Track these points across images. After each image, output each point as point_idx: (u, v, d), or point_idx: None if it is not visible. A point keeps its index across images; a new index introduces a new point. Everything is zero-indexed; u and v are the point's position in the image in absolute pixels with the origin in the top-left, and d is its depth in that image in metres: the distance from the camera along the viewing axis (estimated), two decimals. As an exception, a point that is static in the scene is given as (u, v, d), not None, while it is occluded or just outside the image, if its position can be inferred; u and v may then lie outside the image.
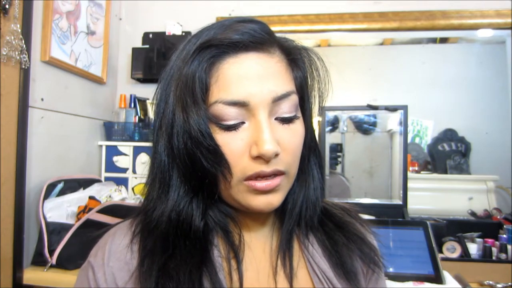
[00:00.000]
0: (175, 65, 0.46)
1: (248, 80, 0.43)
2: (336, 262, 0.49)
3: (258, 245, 0.51)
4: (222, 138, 0.43)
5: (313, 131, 0.52)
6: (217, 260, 0.46)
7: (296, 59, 0.48)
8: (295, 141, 0.46)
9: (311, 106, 0.51)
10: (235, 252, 0.47)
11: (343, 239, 0.51)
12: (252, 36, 0.44)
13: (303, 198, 0.51)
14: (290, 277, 0.48)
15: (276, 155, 0.43)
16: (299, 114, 0.48)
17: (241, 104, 0.42)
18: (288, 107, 0.45)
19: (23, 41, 1.11)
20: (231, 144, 0.43)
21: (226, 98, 0.42)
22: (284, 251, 0.49)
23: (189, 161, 0.44)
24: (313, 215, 0.51)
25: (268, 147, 0.41)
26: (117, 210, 1.19)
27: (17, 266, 1.11)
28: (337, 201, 0.60)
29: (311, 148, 0.52)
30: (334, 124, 1.74)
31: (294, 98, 0.46)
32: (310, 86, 0.50)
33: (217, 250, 0.47)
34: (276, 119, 0.45)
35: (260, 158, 0.42)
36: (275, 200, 0.45)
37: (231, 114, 0.43)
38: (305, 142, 0.49)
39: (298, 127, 0.47)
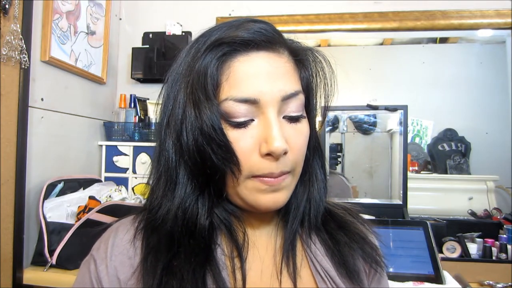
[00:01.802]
0: (184, 63, 0.47)
1: (258, 78, 0.43)
2: (338, 261, 0.50)
3: (261, 244, 0.51)
4: (232, 135, 0.44)
5: (316, 131, 0.53)
6: (221, 258, 0.46)
7: (303, 59, 0.49)
8: (301, 140, 0.47)
9: (316, 107, 0.52)
10: (239, 251, 0.47)
11: (345, 239, 0.51)
12: (263, 35, 0.45)
13: (307, 198, 0.51)
14: (293, 277, 0.48)
15: (285, 153, 0.44)
16: (305, 114, 0.48)
17: (251, 102, 0.43)
18: (295, 106, 0.46)
19: (23, 41, 1.11)
20: (241, 141, 0.44)
21: (237, 96, 0.43)
22: (288, 251, 0.49)
23: (198, 157, 0.44)
24: (317, 214, 0.52)
25: (278, 144, 0.42)
26: (117, 210, 1.19)
27: (17, 266, 1.11)
28: (337, 200, 0.60)
29: (314, 149, 0.53)
30: (334, 124, 1.74)
31: (301, 97, 0.47)
32: (316, 87, 0.51)
33: (221, 249, 0.47)
34: (284, 117, 0.46)
35: (269, 155, 0.43)
36: (281, 198, 0.46)
37: (241, 111, 0.43)
38: (309, 143, 0.49)
39: (304, 126, 0.47)
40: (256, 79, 0.43)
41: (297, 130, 0.46)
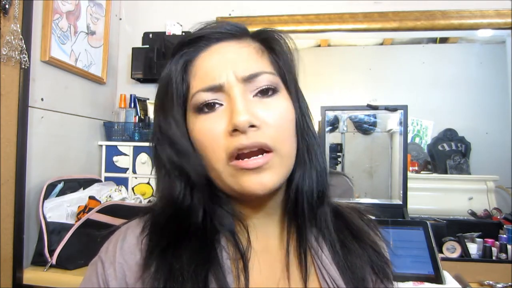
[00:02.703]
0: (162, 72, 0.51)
1: (220, 66, 0.46)
2: (345, 269, 0.49)
3: (264, 245, 0.50)
4: (203, 122, 0.45)
5: (304, 113, 0.51)
6: (226, 263, 0.46)
7: (267, 41, 0.50)
8: (277, 114, 0.45)
9: (297, 87, 0.51)
10: (242, 254, 0.46)
11: (358, 250, 0.50)
12: (217, 29, 0.48)
13: (308, 185, 0.49)
14: (304, 279, 0.47)
15: (253, 126, 0.43)
16: (282, 92, 0.48)
17: (217, 88, 0.45)
18: (263, 82, 0.46)
19: (23, 41, 1.11)
20: (211, 125, 0.45)
21: (202, 86, 0.45)
22: (300, 254, 0.48)
23: (171, 158, 0.47)
24: (316, 203, 0.49)
25: (241, 117, 0.42)
26: (117, 210, 1.19)
27: (17, 266, 1.11)
28: (337, 200, 0.59)
29: (303, 131, 0.50)
30: (334, 124, 1.74)
31: (269, 77, 0.46)
32: (288, 65, 0.50)
33: (226, 252, 0.46)
34: (255, 96, 0.46)
35: (237, 131, 0.43)
36: (266, 179, 0.43)
37: (208, 99, 0.45)
38: (297, 125, 0.48)
39: (279, 102, 0.47)
40: (217, 67, 0.46)
41: (270, 104, 0.45)
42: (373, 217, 1.08)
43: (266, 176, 0.44)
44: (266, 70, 0.47)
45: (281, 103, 0.47)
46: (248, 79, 0.45)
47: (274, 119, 0.45)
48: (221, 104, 0.45)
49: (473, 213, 1.49)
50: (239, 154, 0.43)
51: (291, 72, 0.50)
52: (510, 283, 1.03)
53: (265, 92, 0.46)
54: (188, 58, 0.48)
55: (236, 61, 0.46)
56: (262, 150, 0.43)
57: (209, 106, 0.45)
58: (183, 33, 1.69)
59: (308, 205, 0.49)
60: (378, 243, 0.53)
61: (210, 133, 0.44)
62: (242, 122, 0.42)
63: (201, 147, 0.46)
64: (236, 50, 0.47)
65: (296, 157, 0.48)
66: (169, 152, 0.47)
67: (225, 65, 0.45)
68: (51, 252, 1.13)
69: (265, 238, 0.50)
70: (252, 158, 0.43)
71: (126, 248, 0.47)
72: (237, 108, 0.43)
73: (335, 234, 0.51)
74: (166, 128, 0.47)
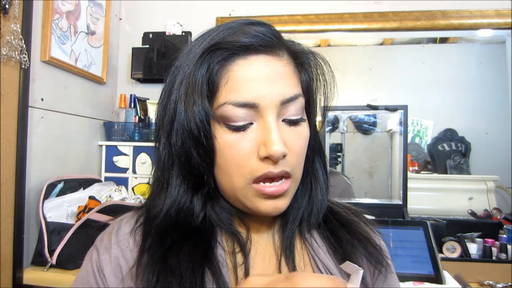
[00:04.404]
0: (181, 66, 0.47)
1: (257, 82, 0.43)
2: (340, 258, 0.50)
3: (262, 243, 0.51)
4: (231, 139, 0.44)
5: (317, 132, 0.53)
6: (221, 256, 0.46)
7: (303, 62, 0.49)
8: (301, 143, 0.47)
9: (316, 109, 0.52)
10: (242, 248, 0.47)
11: (347, 236, 0.51)
12: (262, 39, 0.44)
13: (308, 199, 0.52)
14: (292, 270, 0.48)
15: (284, 156, 0.43)
16: (305, 117, 0.48)
17: (250, 106, 0.43)
18: (295, 110, 0.46)
19: (23, 41, 1.11)
20: (240, 145, 0.44)
21: (235, 100, 0.43)
22: (287, 249, 0.50)
23: (185, 158, 0.45)
24: (318, 215, 0.52)
25: (276, 148, 0.42)
26: (117, 210, 1.18)
27: (17, 266, 1.11)
28: (337, 200, 0.60)
29: (315, 150, 0.53)
30: (334, 124, 1.74)
31: (301, 101, 0.47)
32: (316, 89, 0.51)
33: (221, 247, 0.47)
34: (283, 121, 0.46)
35: (268, 159, 0.43)
36: (282, 204, 0.46)
37: (240, 115, 0.43)
38: (309, 144, 0.49)
39: (303, 129, 0.47)
40: (255, 83, 0.43)
41: (297, 133, 0.46)
42: (372, 217, 1.08)
43: (282, 202, 0.46)
44: (299, 92, 0.47)
45: (305, 131, 0.47)
46: (284, 103, 0.44)
47: (298, 148, 0.46)
48: (252, 123, 0.44)
49: (473, 213, 1.49)
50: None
51: (315, 96, 0.51)
52: (510, 283, 1.03)
53: (295, 122, 0.46)
54: (223, 62, 0.44)
55: (275, 80, 0.44)
56: (283, 175, 0.45)
57: (241, 128, 0.44)
58: (183, 33, 1.69)
59: (304, 215, 0.52)
60: (367, 231, 0.54)
61: (238, 151, 0.44)
62: (277, 153, 0.42)
63: (225, 160, 0.45)
64: (275, 68, 0.45)
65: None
66: (190, 148, 0.45)
67: (263, 83, 0.43)
68: (51, 252, 1.13)
69: (260, 232, 0.52)
70: (273, 184, 0.44)
71: (121, 236, 0.48)
72: (272, 137, 0.42)
73: (324, 224, 0.53)
74: (191, 124, 0.44)
